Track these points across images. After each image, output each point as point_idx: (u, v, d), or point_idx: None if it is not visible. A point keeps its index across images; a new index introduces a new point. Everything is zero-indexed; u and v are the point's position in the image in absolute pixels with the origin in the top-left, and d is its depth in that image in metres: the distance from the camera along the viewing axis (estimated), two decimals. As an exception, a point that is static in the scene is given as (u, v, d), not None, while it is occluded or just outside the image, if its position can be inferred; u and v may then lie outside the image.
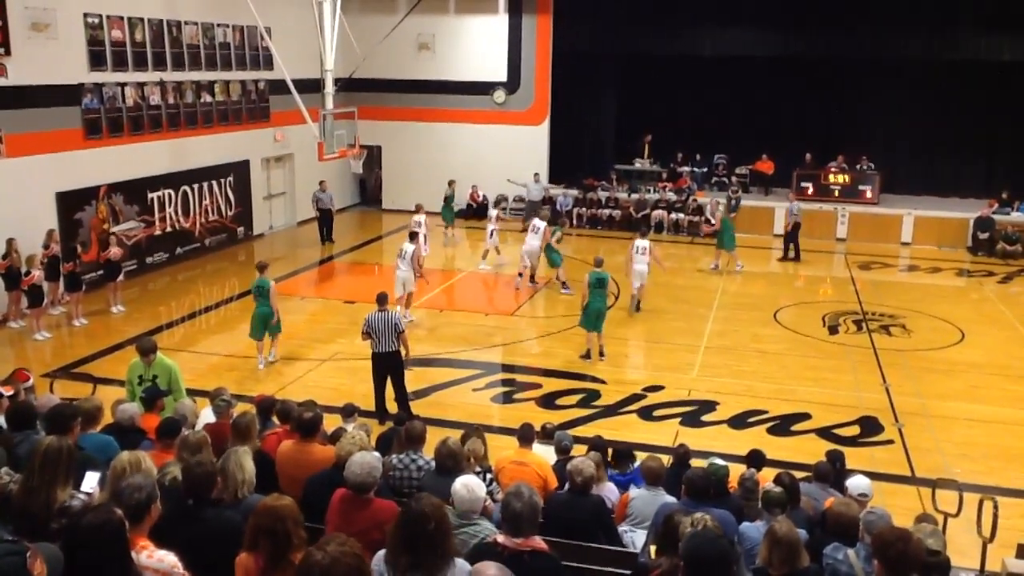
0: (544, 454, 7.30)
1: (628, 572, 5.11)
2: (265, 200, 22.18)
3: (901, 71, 22.98)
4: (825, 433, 10.68)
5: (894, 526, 4.69)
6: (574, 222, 23.36)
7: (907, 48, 21.99)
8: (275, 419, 7.55)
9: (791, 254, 20.17)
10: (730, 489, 6.66)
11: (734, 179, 23.83)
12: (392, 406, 10.71)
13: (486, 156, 24.17)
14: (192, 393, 8.91)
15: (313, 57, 19.37)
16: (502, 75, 24.24)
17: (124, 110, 17.03)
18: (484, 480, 5.92)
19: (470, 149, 24.34)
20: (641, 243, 15.54)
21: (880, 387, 12.28)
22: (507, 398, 12.00)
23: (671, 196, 23.31)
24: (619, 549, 5.68)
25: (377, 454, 5.38)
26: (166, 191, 18.36)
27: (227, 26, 19.97)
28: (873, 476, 6.95)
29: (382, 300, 10.97)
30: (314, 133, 18.36)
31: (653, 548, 4.85)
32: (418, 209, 18.13)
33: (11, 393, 7.14)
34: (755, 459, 7.49)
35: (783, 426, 10.93)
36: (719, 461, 6.99)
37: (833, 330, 14.89)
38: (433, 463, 6.17)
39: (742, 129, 24.31)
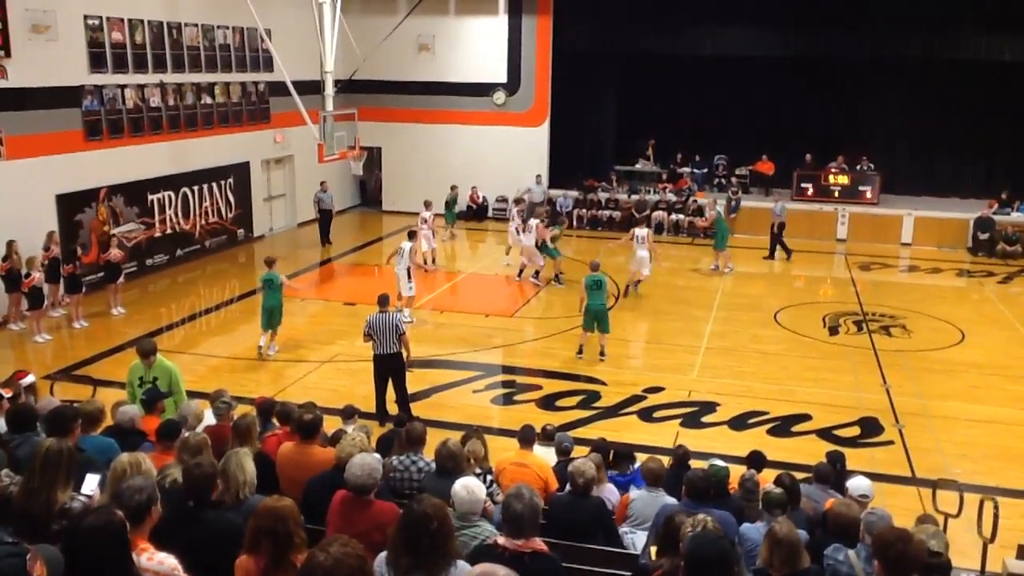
0: (545, 456, 7.30)
1: (628, 573, 5.11)
2: (265, 202, 22.19)
3: (901, 71, 22.98)
4: (825, 434, 10.68)
5: (894, 527, 4.68)
6: (574, 223, 23.37)
7: (907, 48, 21.99)
8: (275, 421, 7.56)
9: (780, 253, 20.29)
10: (730, 490, 6.66)
11: (734, 180, 23.83)
12: (392, 408, 10.71)
13: (486, 157, 24.19)
14: (192, 395, 8.91)
15: (313, 58, 19.37)
16: (502, 76, 24.25)
17: (124, 112, 17.04)
18: (484, 481, 5.92)
19: (470, 150, 24.35)
20: (640, 232, 16.54)
21: (880, 388, 12.28)
22: (507, 399, 12.00)
23: (671, 197, 23.31)
24: (619, 550, 5.68)
25: (377, 456, 5.37)
26: (166, 193, 18.36)
27: (227, 28, 19.99)
28: (873, 477, 6.96)
29: (383, 302, 10.98)
30: (314, 135, 18.37)
31: (654, 549, 4.85)
32: (427, 205, 18.95)
33: (11, 395, 7.15)
34: (755, 460, 7.49)
35: (783, 427, 10.93)
36: (719, 462, 6.99)
37: (833, 331, 14.89)
38: (433, 465, 6.17)
39: (742, 129, 24.33)
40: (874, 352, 13.73)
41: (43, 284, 14.09)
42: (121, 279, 15.66)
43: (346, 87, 21.45)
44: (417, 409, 10.82)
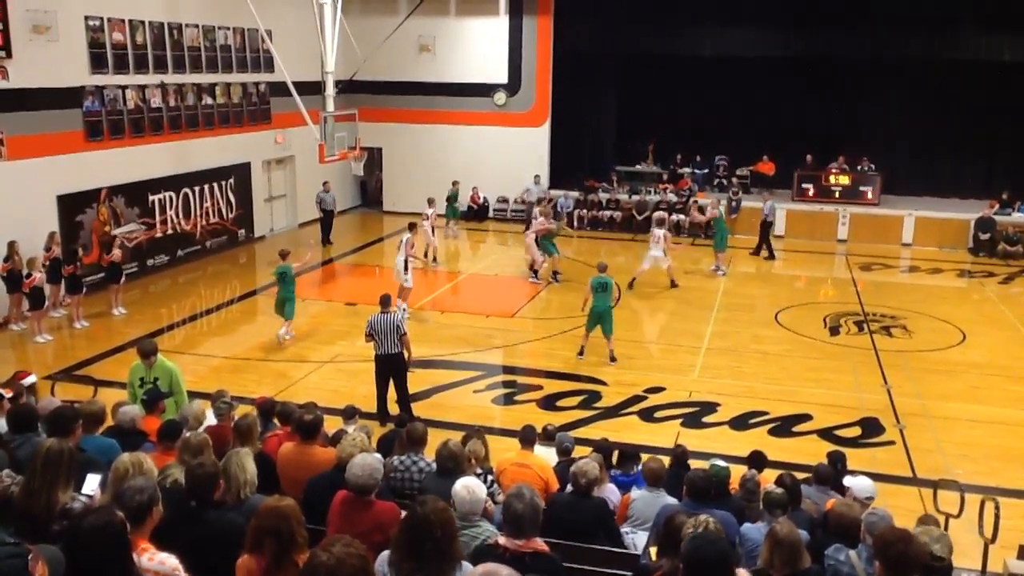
0: (546, 456, 7.30)
1: (629, 574, 5.11)
2: (266, 202, 22.20)
3: (901, 71, 22.98)
4: (826, 434, 10.67)
5: (895, 527, 4.68)
6: (575, 223, 23.34)
7: (907, 48, 21.98)
8: (276, 421, 7.56)
9: (764, 252, 20.37)
10: (731, 490, 6.66)
11: (735, 180, 23.82)
12: (393, 408, 10.72)
13: (487, 158, 24.20)
14: (193, 395, 8.91)
15: (314, 59, 19.39)
16: (503, 77, 24.25)
17: (125, 112, 17.05)
18: (485, 482, 5.92)
19: (471, 151, 24.35)
20: (657, 231, 17.49)
21: (881, 388, 12.28)
22: (508, 400, 11.99)
23: (672, 197, 23.30)
24: (620, 551, 5.68)
25: (378, 456, 5.38)
26: (167, 193, 18.37)
27: (228, 28, 20.00)
28: (874, 477, 6.94)
29: (385, 302, 10.99)
30: (315, 135, 18.38)
31: (654, 549, 4.85)
32: (430, 203, 19.34)
33: (12, 395, 7.15)
34: (756, 460, 7.49)
35: (784, 427, 10.93)
36: (720, 462, 6.99)
37: (834, 331, 14.88)
38: (434, 465, 6.18)
39: (743, 130, 24.33)
40: (875, 352, 13.73)
41: (44, 284, 14.10)
42: (122, 279, 15.67)
43: (347, 87, 21.46)
44: (418, 409, 10.82)
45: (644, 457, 7.09)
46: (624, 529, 6.24)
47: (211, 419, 7.42)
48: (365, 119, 21.90)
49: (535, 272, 17.75)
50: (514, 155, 24.11)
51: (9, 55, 14.28)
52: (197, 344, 14.08)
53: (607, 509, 6.07)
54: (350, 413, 8.84)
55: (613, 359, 13.03)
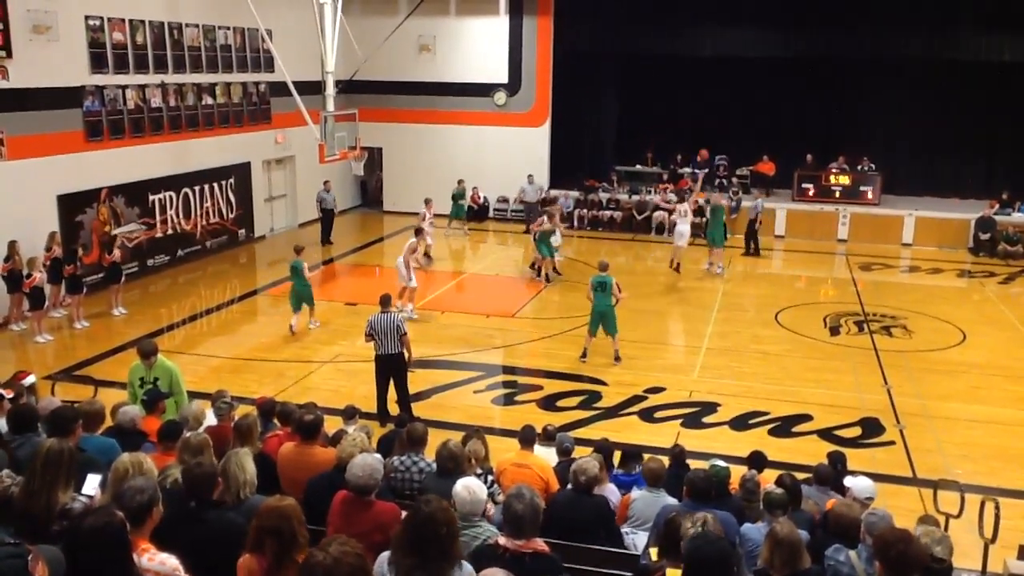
0: (546, 456, 7.30)
1: (629, 574, 5.11)
2: (266, 202, 22.20)
3: (901, 71, 22.97)
4: (826, 434, 10.67)
5: (895, 527, 4.68)
6: (575, 223, 23.36)
7: (907, 48, 21.98)
8: (276, 421, 7.56)
9: (751, 249, 20.51)
10: (731, 490, 6.66)
11: (735, 180, 23.82)
12: (394, 408, 10.72)
13: (487, 158, 24.20)
14: (193, 395, 8.90)
15: (314, 59, 19.38)
16: (503, 77, 24.25)
17: (125, 112, 17.05)
18: (485, 482, 5.92)
19: (471, 151, 24.35)
20: (683, 206, 18.02)
21: (881, 388, 12.28)
22: (508, 400, 11.99)
23: (672, 197, 23.27)
24: (620, 551, 5.68)
25: (378, 456, 5.37)
26: (167, 193, 18.37)
27: (228, 28, 20.00)
28: (874, 477, 6.94)
29: (385, 302, 10.99)
30: (315, 135, 18.37)
31: (654, 550, 4.85)
32: (427, 203, 19.34)
33: (12, 396, 7.15)
34: (756, 460, 7.49)
35: (784, 427, 10.93)
36: (720, 463, 6.98)
37: (834, 331, 14.88)
38: (434, 465, 6.18)
39: (743, 130, 24.32)
40: (875, 352, 13.73)
41: (44, 284, 14.10)
42: (122, 279, 15.68)
43: (347, 87, 21.46)
44: (418, 409, 10.83)
45: (645, 457, 7.10)
46: (624, 529, 6.24)
47: (211, 419, 7.42)
48: (365, 119, 21.89)
49: (538, 271, 17.78)
50: (514, 155, 24.10)
51: (9, 55, 14.28)
52: (197, 344, 14.08)
53: (607, 507, 6.07)
54: (350, 413, 8.84)
55: (618, 359, 12.98)
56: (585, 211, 23.68)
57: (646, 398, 11.81)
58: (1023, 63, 21.20)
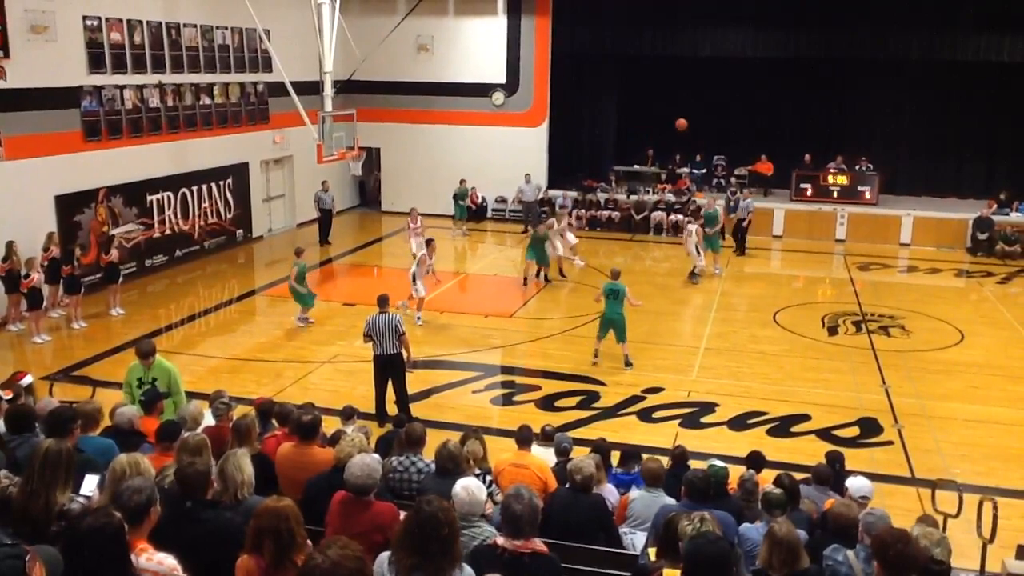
0: (544, 456, 7.30)
1: (628, 574, 5.11)
2: (264, 202, 22.18)
3: (901, 71, 22.99)
4: (825, 434, 10.68)
5: (893, 527, 4.68)
6: (574, 223, 23.33)
7: (907, 48, 21.99)
8: (274, 422, 7.55)
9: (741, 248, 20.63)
10: (730, 490, 6.66)
11: (733, 180, 23.84)
12: (392, 408, 10.71)
13: (485, 158, 24.18)
14: (191, 396, 8.90)
15: (312, 59, 19.38)
16: (501, 77, 24.24)
17: (123, 112, 17.04)
18: (483, 482, 5.91)
19: (469, 151, 24.34)
20: (690, 226, 18.17)
21: (879, 388, 12.28)
22: (506, 400, 11.99)
23: (670, 197, 23.32)
24: (619, 551, 5.68)
25: (377, 456, 5.37)
26: (165, 194, 18.36)
27: (226, 28, 19.99)
28: (873, 477, 6.95)
29: (383, 302, 10.98)
30: (313, 135, 18.37)
31: (653, 550, 4.84)
32: (412, 214, 18.88)
33: (11, 397, 7.14)
34: (755, 460, 7.49)
35: (783, 427, 10.93)
36: (719, 463, 6.98)
37: (832, 331, 14.89)
38: (433, 465, 6.17)
39: (741, 130, 24.32)
40: (873, 352, 13.73)
41: (42, 285, 14.08)
42: (120, 280, 15.66)
43: (345, 87, 21.45)
44: (416, 410, 10.82)
45: (644, 457, 7.10)
46: (623, 529, 6.23)
47: (209, 420, 7.42)
48: (363, 119, 21.87)
49: (541, 275, 17.62)
50: (512, 155, 24.08)
51: (7, 55, 14.26)
52: (195, 344, 14.07)
53: (605, 506, 6.07)
54: (348, 413, 8.83)
55: (628, 364, 12.90)
56: (584, 211, 23.68)
57: (644, 398, 11.81)
58: (1022, 63, 21.21)
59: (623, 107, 25.48)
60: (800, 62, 22.92)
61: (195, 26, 19.00)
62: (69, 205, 15.73)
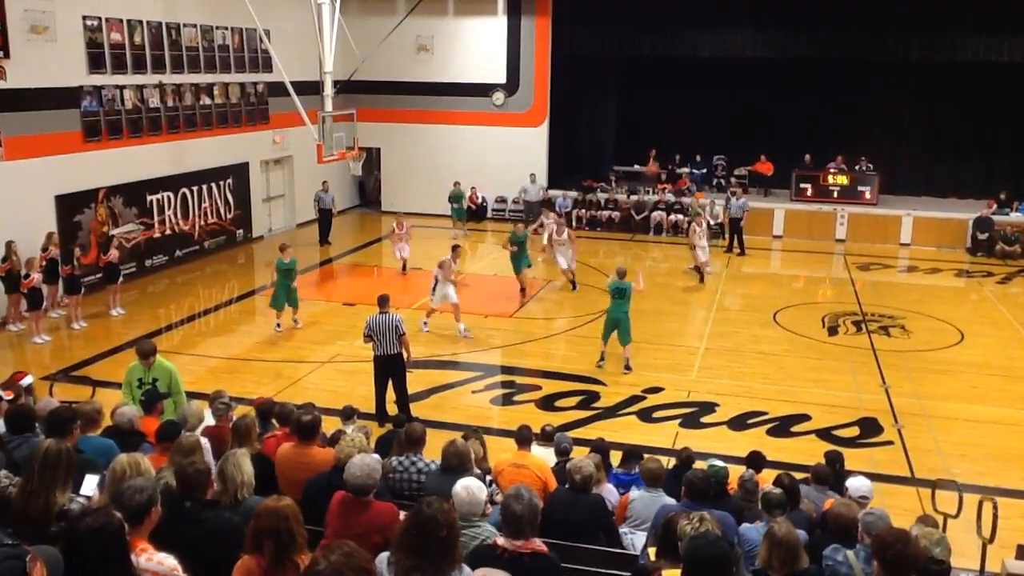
0: (544, 456, 7.30)
1: (627, 574, 5.11)
2: (264, 202, 22.19)
3: (900, 71, 23.00)
4: (825, 434, 10.68)
5: (893, 527, 4.68)
6: (573, 223, 23.36)
7: (907, 48, 21.97)
8: (274, 422, 7.55)
9: (736, 249, 20.62)
10: (730, 490, 6.66)
11: (733, 180, 23.84)
12: (392, 408, 10.71)
13: (485, 158, 24.19)
14: (191, 396, 8.90)
15: (312, 59, 19.39)
16: (501, 77, 24.25)
17: (123, 113, 17.04)
18: (483, 482, 5.92)
19: (469, 151, 24.35)
20: (699, 229, 17.82)
21: (879, 388, 12.29)
22: (507, 400, 11.99)
23: (670, 197, 23.32)
24: (619, 551, 5.68)
25: (376, 456, 5.37)
26: (165, 194, 18.36)
27: (226, 29, 19.99)
28: (873, 477, 6.95)
29: (383, 302, 10.96)
30: (313, 135, 18.37)
31: (653, 550, 4.85)
32: (398, 221, 18.59)
33: (11, 397, 7.14)
34: (755, 460, 7.49)
35: (783, 427, 10.93)
36: (719, 463, 6.98)
37: (832, 331, 14.89)
38: (433, 465, 6.17)
39: (741, 130, 24.33)
40: (873, 352, 13.73)
41: (42, 285, 14.08)
42: (120, 280, 15.67)
43: (345, 87, 21.45)
44: (417, 410, 10.82)
45: (644, 457, 7.10)
46: (623, 529, 6.23)
47: (209, 420, 7.42)
48: (363, 119, 21.89)
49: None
50: (512, 155, 24.10)
51: (7, 55, 14.26)
52: (195, 344, 14.07)
53: (604, 506, 6.07)
54: (348, 413, 8.84)
55: (628, 368, 12.80)
56: (584, 211, 23.68)
57: (645, 398, 11.81)
58: (1022, 63, 21.21)
59: (623, 107, 25.49)
60: (800, 62, 22.93)
61: (195, 26, 19.00)
62: (69, 205, 15.74)
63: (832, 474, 7.07)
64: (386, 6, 23.60)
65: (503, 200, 24.57)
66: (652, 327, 14.91)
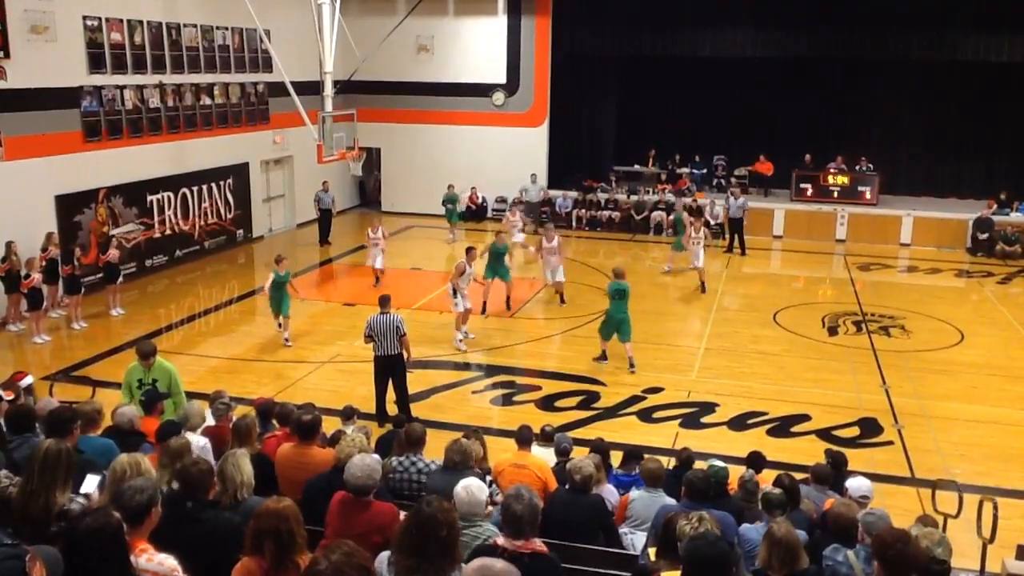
0: (544, 456, 7.30)
1: (627, 574, 5.11)
2: (264, 202, 22.19)
3: (900, 71, 23.00)
4: (825, 434, 10.68)
5: (893, 527, 4.68)
6: (573, 224, 23.39)
7: (907, 48, 21.96)
8: (275, 422, 7.55)
9: (737, 250, 20.65)
10: (730, 491, 6.66)
11: (733, 180, 23.84)
12: (392, 408, 10.71)
13: (485, 158, 24.18)
14: (191, 396, 8.89)
15: (312, 59, 19.38)
16: (501, 77, 24.24)
17: (123, 113, 17.04)
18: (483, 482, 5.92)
19: (469, 151, 24.34)
20: (699, 235, 17.44)
21: (880, 388, 12.28)
22: (506, 400, 11.98)
23: (670, 197, 23.31)
24: (619, 551, 5.68)
25: (376, 456, 5.37)
26: (165, 194, 18.37)
27: (226, 29, 19.99)
28: (873, 477, 6.95)
29: (384, 303, 10.97)
30: (313, 135, 18.37)
31: (653, 550, 4.85)
32: (375, 227, 17.86)
33: (11, 397, 7.13)
34: (755, 461, 7.49)
35: (783, 427, 10.93)
36: (719, 463, 6.98)
37: (832, 331, 14.89)
38: (433, 465, 6.17)
39: (741, 130, 24.34)
40: (873, 352, 13.73)
41: (42, 285, 14.08)
42: (120, 280, 15.67)
43: (345, 88, 21.44)
44: (417, 410, 10.82)
45: (644, 458, 7.10)
46: (623, 530, 6.24)
47: (209, 420, 7.42)
48: (363, 119, 21.89)
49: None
50: (512, 155, 24.08)
51: (7, 55, 14.26)
52: (195, 344, 14.07)
53: (604, 506, 6.07)
54: (348, 413, 8.84)
55: (632, 366, 12.81)
56: (584, 211, 23.68)
57: (645, 398, 11.81)
58: (1022, 63, 21.21)
59: (623, 107, 25.48)
60: (800, 62, 22.93)
61: (195, 26, 19.00)
62: (69, 205, 15.74)
63: (832, 474, 7.06)
64: (386, 6, 23.60)
65: (503, 200, 24.54)
66: (652, 327, 14.91)
